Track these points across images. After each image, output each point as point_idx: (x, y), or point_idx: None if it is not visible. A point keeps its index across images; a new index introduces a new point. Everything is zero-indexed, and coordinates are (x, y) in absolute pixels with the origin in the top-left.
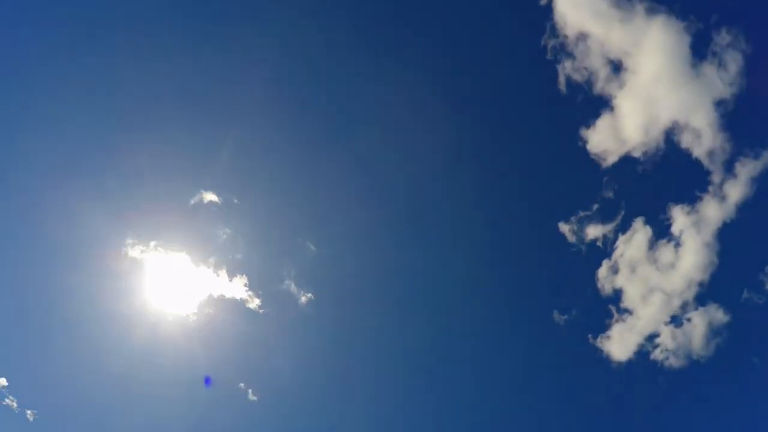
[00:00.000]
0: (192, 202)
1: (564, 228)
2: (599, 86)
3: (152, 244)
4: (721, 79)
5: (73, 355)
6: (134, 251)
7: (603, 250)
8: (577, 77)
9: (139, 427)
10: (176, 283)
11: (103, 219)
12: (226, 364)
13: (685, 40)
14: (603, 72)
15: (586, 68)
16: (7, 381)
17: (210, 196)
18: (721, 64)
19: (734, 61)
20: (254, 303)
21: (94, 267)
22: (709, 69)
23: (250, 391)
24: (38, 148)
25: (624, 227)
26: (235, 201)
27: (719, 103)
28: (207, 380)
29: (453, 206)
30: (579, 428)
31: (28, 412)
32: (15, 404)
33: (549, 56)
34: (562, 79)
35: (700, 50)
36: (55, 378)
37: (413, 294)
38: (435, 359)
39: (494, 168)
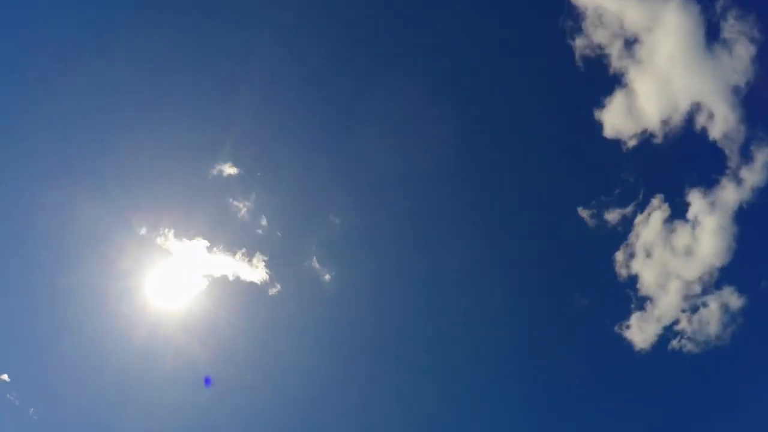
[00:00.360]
0: (209, 176)
1: (583, 213)
2: (615, 69)
3: (165, 226)
4: (736, 63)
5: (79, 351)
6: (145, 235)
7: (621, 234)
8: (592, 59)
9: (147, 421)
10: (191, 266)
11: (109, 201)
12: (239, 350)
13: (701, 22)
14: (618, 54)
15: (601, 49)
16: (9, 377)
17: (229, 170)
18: (737, 49)
19: (749, 47)
20: (272, 283)
21: (102, 253)
22: (724, 52)
23: (262, 379)
24: (45, 126)
25: (642, 211)
26: (258, 174)
27: (734, 87)
28: (207, 380)
29: (472, 192)
30: (600, 415)
31: (31, 409)
32: (17, 401)
33: (563, 36)
34: (578, 62)
35: (715, 33)
36: (59, 375)
37: (433, 278)
38: (456, 343)
39: (514, 153)
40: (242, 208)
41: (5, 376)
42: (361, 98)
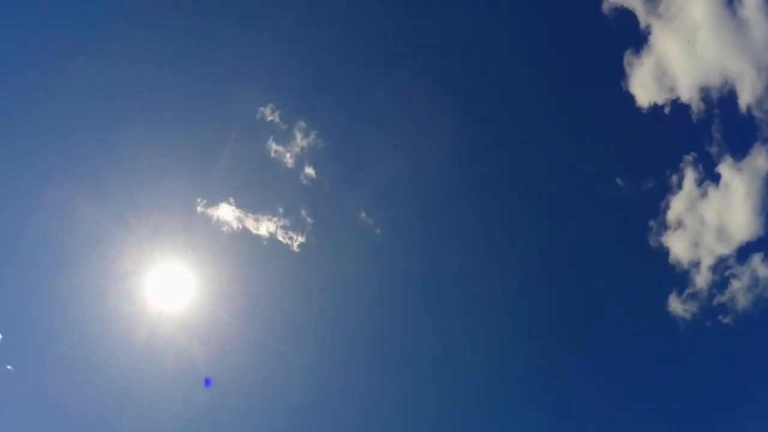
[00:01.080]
0: (250, 120)
1: (620, 184)
2: (642, 30)
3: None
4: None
5: (86, 348)
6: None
7: (654, 207)
8: (619, 24)
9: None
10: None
11: (113, 197)
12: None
13: None
14: (645, 18)
15: (628, 13)
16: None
17: (271, 116)
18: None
19: None
20: (315, 240)
21: (103, 253)
22: (750, 21)
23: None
24: (46, 125)
25: (674, 181)
26: (301, 123)
27: (761, 58)
28: (207, 381)
29: (508, 168)
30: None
31: (32, 409)
32: (18, 401)
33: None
34: (605, 25)
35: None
36: (60, 375)
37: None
38: (502, 313)
39: (546, 127)
40: (287, 154)
41: (9, 367)
42: (422, 36)
